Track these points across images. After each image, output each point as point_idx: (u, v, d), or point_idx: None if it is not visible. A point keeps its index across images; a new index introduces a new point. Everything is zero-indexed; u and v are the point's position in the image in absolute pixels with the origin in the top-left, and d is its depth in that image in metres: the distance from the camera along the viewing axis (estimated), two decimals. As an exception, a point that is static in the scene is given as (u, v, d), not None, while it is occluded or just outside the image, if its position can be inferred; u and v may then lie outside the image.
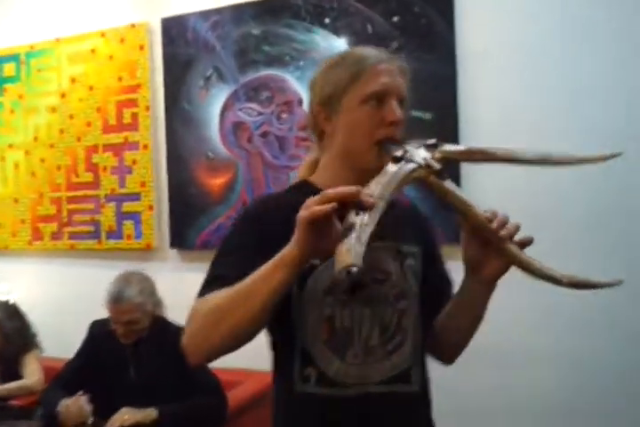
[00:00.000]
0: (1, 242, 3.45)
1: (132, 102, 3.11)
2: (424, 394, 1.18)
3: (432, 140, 1.04)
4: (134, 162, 3.10)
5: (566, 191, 2.34)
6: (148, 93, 3.08)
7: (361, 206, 0.87)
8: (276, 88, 2.84)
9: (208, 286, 1.05)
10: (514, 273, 1.09)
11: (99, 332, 2.33)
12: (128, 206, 3.11)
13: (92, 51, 3.21)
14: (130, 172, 3.11)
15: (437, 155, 1.02)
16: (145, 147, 3.08)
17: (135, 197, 3.10)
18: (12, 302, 2.96)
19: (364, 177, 0.99)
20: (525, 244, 1.04)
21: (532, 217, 2.28)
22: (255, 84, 2.88)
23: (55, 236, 3.30)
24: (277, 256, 0.94)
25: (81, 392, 2.13)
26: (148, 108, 3.08)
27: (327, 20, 2.73)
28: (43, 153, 3.34)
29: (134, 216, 3.10)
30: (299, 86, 2.79)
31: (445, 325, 1.21)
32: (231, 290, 0.98)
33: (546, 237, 2.23)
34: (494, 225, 1.01)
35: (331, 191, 0.87)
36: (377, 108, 1.10)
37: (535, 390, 2.39)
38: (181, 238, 3.00)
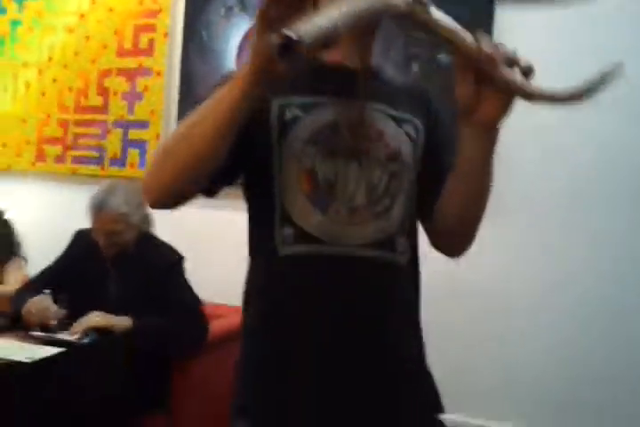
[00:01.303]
0: (4, 161, 3.37)
1: (151, 27, 3.01)
2: (410, 270, 1.09)
3: None
4: (146, 88, 3.01)
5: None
6: (167, 19, 2.97)
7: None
8: (300, 23, 2.71)
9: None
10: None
11: (82, 241, 2.23)
12: (135, 134, 3.03)
13: (116, -29, 3.10)
14: (140, 98, 3.02)
15: None
16: (158, 74, 2.98)
17: (143, 124, 3.01)
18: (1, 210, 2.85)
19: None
20: (525, 71, 0.91)
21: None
22: (278, 17, 2.75)
23: (59, 159, 3.22)
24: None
25: (48, 291, 2.03)
26: (166, 35, 2.98)
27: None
28: (55, 73, 3.25)
29: (140, 145, 3.02)
30: (323, 23, 2.66)
31: (447, 200, 1.08)
32: (190, 117, 0.92)
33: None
34: (485, 48, 0.89)
35: None
36: None
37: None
38: (185, 171, 2.91)
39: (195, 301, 2.11)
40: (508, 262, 2.41)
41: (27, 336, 1.94)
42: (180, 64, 2.94)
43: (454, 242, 1.12)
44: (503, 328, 2.41)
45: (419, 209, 1.10)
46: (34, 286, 2.15)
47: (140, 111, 3.02)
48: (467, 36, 0.90)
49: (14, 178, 3.37)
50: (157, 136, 2.97)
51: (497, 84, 0.91)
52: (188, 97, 2.91)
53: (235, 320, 2.34)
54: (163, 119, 2.97)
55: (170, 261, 2.16)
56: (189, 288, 2.13)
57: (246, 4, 2.81)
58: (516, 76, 0.89)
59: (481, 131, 0.98)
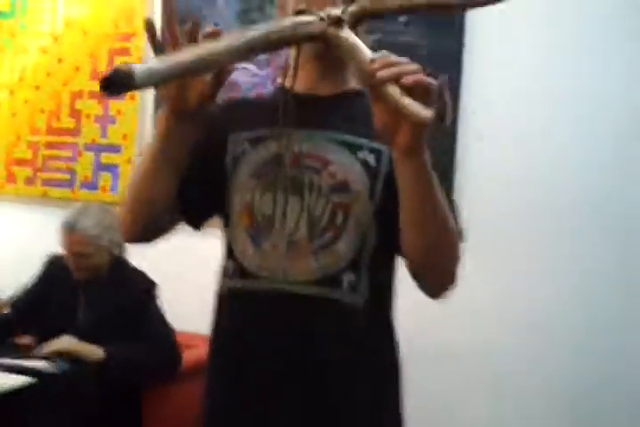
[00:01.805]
0: (-28, 182, 3.32)
1: (126, 51, 3.01)
2: (367, 309, 1.01)
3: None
4: (119, 112, 3.00)
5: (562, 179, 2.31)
6: (142, 43, 2.97)
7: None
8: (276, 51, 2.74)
9: None
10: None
11: (54, 266, 2.23)
12: (107, 158, 3.01)
13: (91, -7, 3.10)
14: (113, 122, 3.01)
15: (350, 9, 0.87)
16: (132, 98, 2.98)
17: (115, 148, 3.00)
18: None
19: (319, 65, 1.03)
20: (409, 88, 0.78)
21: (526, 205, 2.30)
22: (253, 45, 2.78)
23: (29, 180, 3.19)
24: None
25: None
26: (140, 59, 2.97)
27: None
28: (27, 94, 3.22)
29: (112, 168, 3.00)
30: (298, 51, 2.70)
31: (402, 232, 0.97)
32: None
33: (540, 224, 2.27)
34: (375, 66, 0.79)
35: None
36: None
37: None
38: (157, 195, 2.90)
39: (167, 330, 2.11)
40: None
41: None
42: (154, 88, 2.93)
43: (427, 279, 1.01)
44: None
45: (395, 243, 1.01)
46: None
47: (113, 135, 3.01)
48: (367, 53, 0.83)
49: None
50: (129, 160, 2.96)
51: (385, 101, 0.81)
52: (162, 121, 2.90)
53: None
54: (135, 143, 2.96)
55: (142, 288, 2.15)
56: (162, 317, 2.12)
57: (222, 31, 2.83)
58: (403, 97, 0.78)
59: (402, 157, 0.87)
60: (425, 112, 0.77)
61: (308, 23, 0.86)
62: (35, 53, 3.22)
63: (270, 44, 0.85)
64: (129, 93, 2.96)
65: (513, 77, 2.36)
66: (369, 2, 0.88)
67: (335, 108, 1.04)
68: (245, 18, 2.79)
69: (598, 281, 2.25)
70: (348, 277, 1.00)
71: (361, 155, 1.02)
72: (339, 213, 1.00)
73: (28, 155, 3.19)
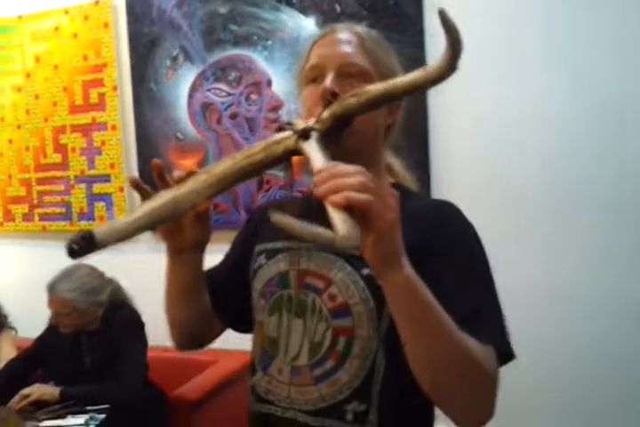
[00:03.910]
0: (-28, 223, 3.41)
1: (99, 82, 3.06)
2: None
3: None
4: (103, 143, 3.07)
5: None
6: (114, 73, 3.03)
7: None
8: (244, 68, 2.80)
9: None
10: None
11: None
12: (98, 188, 3.10)
13: (56, 28, 3.13)
14: (99, 153, 3.08)
15: (322, 116, 0.83)
16: (113, 127, 3.04)
17: (105, 178, 3.08)
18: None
19: None
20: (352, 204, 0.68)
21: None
22: (223, 64, 2.84)
23: (26, 217, 3.27)
24: None
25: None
26: (115, 88, 3.03)
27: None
28: (10, 134, 3.28)
29: (105, 198, 3.09)
30: (266, 66, 2.76)
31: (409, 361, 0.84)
32: None
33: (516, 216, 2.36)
34: (318, 178, 0.71)
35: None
36: (319, 84, 0.94)
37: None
38: (153, 220, 2.99)
39: (132, 375, 2.20)
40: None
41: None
42: (134, 116, 3.00)
43: (446, 410, 0.85)
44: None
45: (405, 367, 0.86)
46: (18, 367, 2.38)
47: (101, 165, 3.08)
48: (319, 165, 0.77)
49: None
50: (121, 189, 3.04)
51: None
52: (146, 148, 2.98)
53: (226, 367, 2.49)
54: (124, 171, 3.04)
55: (125, 326, 2.28)
56: (135, 356, 2.23)
57: (190, 53, 2.89)
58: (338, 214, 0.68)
59: (376, 273, 0.77)
60: (343, 234, 0.67)
61: (282, 139, 0.82)
62: (10, 92, 3.27)
63: (247, 172, 0.81)
64: (111, 124, 3.03)
65: (477, 83, 2.42)
66: (338, 105, 0.83)
67: None
68: (210, 38, 2.84)
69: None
70: (353, 408, 0.90)
71: (366, 271, 0.91)
72: (340, 338, 0.91)
73: (22, 192, 3.27)
